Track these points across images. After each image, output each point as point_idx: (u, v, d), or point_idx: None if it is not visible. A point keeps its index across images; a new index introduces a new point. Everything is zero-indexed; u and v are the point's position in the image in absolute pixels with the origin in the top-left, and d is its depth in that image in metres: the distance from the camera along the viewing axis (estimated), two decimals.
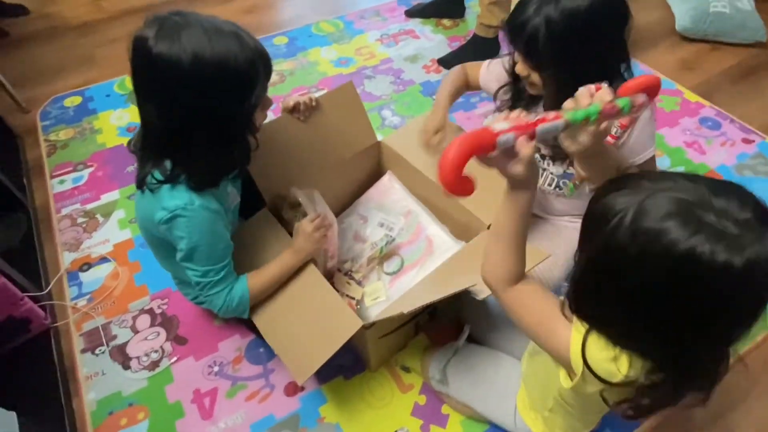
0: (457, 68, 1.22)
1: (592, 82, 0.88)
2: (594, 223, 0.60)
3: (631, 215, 0.54)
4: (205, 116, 0.81)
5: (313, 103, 1.13)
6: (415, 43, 2.08)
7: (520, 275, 0.71)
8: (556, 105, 0.90)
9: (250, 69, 0.80)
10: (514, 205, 0.68)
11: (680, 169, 1.54)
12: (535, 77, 0.91)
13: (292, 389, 1.11)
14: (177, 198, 0.86)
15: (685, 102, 1.79)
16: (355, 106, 1.21)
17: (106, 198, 1.52)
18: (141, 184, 0.89)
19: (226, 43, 0.78)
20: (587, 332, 0.64)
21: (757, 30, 1.99)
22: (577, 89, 0.85)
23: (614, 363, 0.62)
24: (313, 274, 1.01)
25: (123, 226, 1.44)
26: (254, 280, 0.97)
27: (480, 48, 1.95)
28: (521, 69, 0.92)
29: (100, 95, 1.87)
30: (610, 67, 0.90)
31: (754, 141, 1.65)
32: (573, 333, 0.65)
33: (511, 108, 1.06)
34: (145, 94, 0.82)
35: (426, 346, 1.16)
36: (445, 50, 2.02)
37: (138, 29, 0.78)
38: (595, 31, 0.84)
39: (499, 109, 1.13)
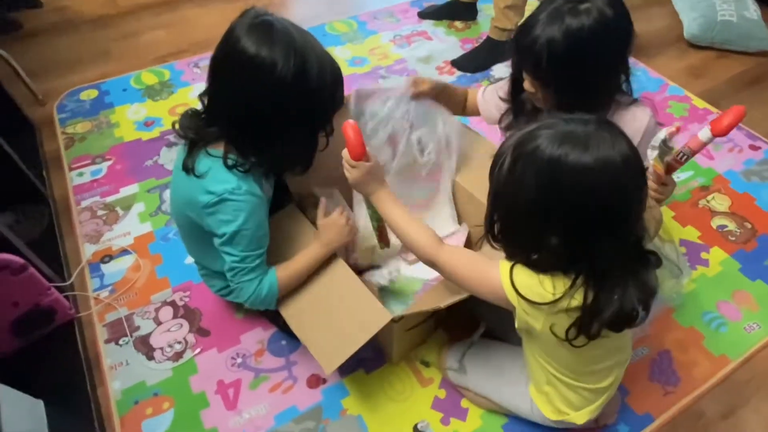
0: (463, 88, 1.25)
1: (594, 97, 0.92)
2: (491, 168, 0.75)
3: (510, 151, 0.71)
4: (302, 115, 0.87)
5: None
6: (428, 45, 2.11)
7: (436, 236, 0.86)
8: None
9: (333, 83, 0.89)
10: (384, 200, 0.90)
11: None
12: (544, 94, 0.94)
13: (315, 381, 1.14)
14: (224, 182, 0.89)
15: (693, 108, 1.83)
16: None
17: (126, 191, 1.54)
18: (190, 168, 0.91)
19: (321, 57, 0.86)
20: (512, 266, 0.76)
21: (762, 39, 2.03)
22: (582, 103, 0.91)
23: (541, 286, 0.74)
24: (340, 266, 1.03)
25: (143, 219, 1.46)
26: (282, 273, 0.99)
27: (493, 50, 1.98)
28: (528, 86, 0.95)
29: (116, 89, 1.88)
30: (614, 83, 0.94)
31: (760, 147, 1.69)
32: (501, 269, 0.77)
33: (515, 122, 1.09)
34: (227, 81, 0.86)
35: (444, 340, 1.19)
36: (457, 52, 2.05)
37: (234, 25, 0.84)
38: (599, 49, 0.86)
39: (504, 131, 1.16)
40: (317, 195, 1.17)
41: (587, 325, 0.74)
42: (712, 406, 1.12)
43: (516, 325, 0.80)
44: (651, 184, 0.92)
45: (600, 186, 0.66)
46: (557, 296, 0.73)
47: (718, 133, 0.86)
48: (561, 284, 0.73)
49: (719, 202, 1.52)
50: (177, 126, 0.93)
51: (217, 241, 0.94)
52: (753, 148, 1.70)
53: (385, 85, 1.17)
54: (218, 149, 0.91)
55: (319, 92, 0.86)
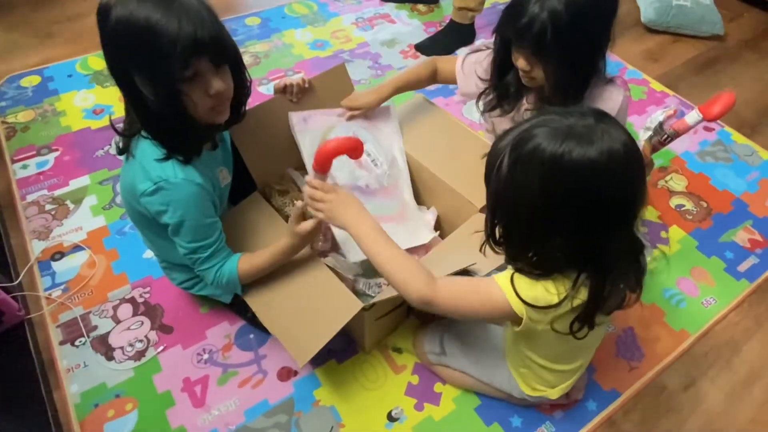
0: (426, 62, 1.22)
1: (591, 69, 0.92)
2: (487, 171, 0.72)
3: (508, 152, 0.68)
4: (129, 81, 0.80)
5: (306, 85, 1.11)
6: (391, 28, 2.07)
7: (428, 275, 0.79)
8: (553, 95, 0.93)
9: (163, 41, 0.74)
10: (364, 232, 0.82)
11: None
12: (538, 71, 0.93)
13: (285, 374, 1.11)
14: (160, 170, 0.85)
15: (651, 91, 1.88)
16: (346, 87, 1.20)
17: (76, 184, 1.45)
18: (126, 150, 0.87)
19: (154, 10, 0.74)
20: (511, 276, 0.74)
21: (715, 23, 2.10)
22: (576, 78, 0.91)
23: (546, 292, 0.72)
24: (309, 257, 1.00)
25: (96, 212, 1.38)
26: (245, 264, 0.97)
27: (457, 34, 1.97)
28: (523, 64, 0.94)
29: (61, 75, 1.76)
30: (602, 54, 0.94)
31: (714, 129, 1.76)
32: (501, 285, 0.75)
33: (497, 105, 1.08)
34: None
35: (416, 326, 1.18)
36: (421, 35, 2.03)
37: None
38: (598, 18, 0.88)
39: (483, 113, 1.15)
40: (289, 177, 1.14)
41: (591, 317, 0.73)
42: (674, 379, 1.17)
43: (516, 330, 0.79)
44: None
45: (608, 179, 0.64)
46: (563, 296, 0.72)
47: (711, 118, 0.88)
48: (563, 285, 0.72)
49: (677, 182, 1.57)
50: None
51: (169, 231, 0.90)
52: (707, 129, 1.75)
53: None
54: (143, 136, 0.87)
55: (151, 42, 0.75)
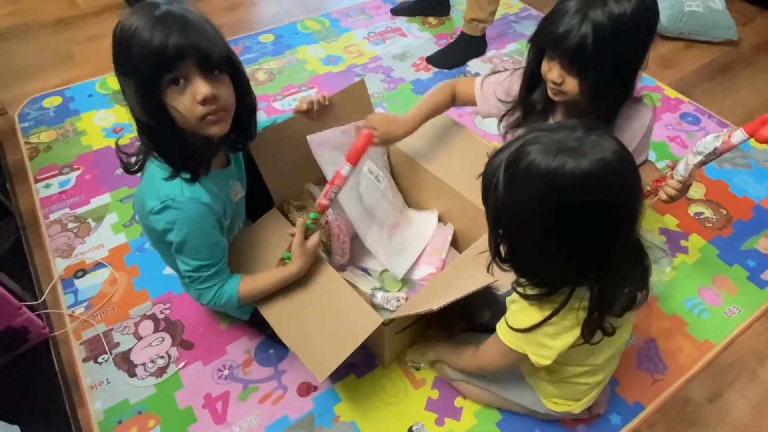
0: (443, 85, 1.20)
1: (629, 83, 0.92)
2: (483, 190, 0.73)
3: (502, 171, 0.68)
4: (125, 92, 0.81)
5: (326, 102, 1.12)
6: (403, 41, 2.09)
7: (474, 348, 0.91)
8: (589, 111, 0.93)
9: (140, 45, 0.74)
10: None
11: (664, 162, 1.61)
12: (571, 83, 0.91)
13: (305, 390, 1.11)
14: (168, 188, 0.86)
15: (665, 98, 1.87)
16: (365, 104, 1.21)
17: (97, 202, 1.47)
18: (138, 169, 0.89)
19: (141, 18, 0.75)
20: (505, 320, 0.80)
21: (728, 28, 2.08)
22: (611, 94, 0.91)
23: (565, 319, 0.75)
24: (328, 271, 1.01)
25: (117, 230, 1.40)
26: (245, 287, 0.97)
27: (468, 46, 1.98)
28: (555, 75, 0.92)
29: (81, 95, 1.81)
30: (637, 73, 0.93)
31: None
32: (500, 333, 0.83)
33: (522, 124, 1.07)
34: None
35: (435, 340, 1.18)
36: (432, 48, 2.04)
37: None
38: (639, 33, 0.87)
39: (504, 137, 1.14)
40: (308, 192, 1.15)
41: (600, 322, 0.75)
42: (698, 391, 1.14)
43: (536, 363, 0.81)
44: (675, 184, 0.93)
45: (604, 189, 0.65)
46: (575, 307, 0.74)
47: (763, 140, 0.85)
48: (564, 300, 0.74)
49: (695, 189, 1.55)
50: None
51: (172, 249, 0.92)
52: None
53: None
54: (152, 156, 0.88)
55: (122, 51, 0.77)
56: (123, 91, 0.82)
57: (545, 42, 0.92)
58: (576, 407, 0.95)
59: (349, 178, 0.95)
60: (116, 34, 0.77)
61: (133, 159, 0.91)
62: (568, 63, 0.89)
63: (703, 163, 0.91)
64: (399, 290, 1.19)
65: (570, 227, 0.67)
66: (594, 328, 0.75)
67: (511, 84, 1.09)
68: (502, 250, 0.75)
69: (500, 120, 1.12)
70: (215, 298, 0.96)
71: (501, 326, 0.83)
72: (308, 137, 1.08)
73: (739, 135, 0.88)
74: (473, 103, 1.18)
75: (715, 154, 0.88)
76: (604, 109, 0.94)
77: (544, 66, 0.94)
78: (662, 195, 0.96)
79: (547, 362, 0.79)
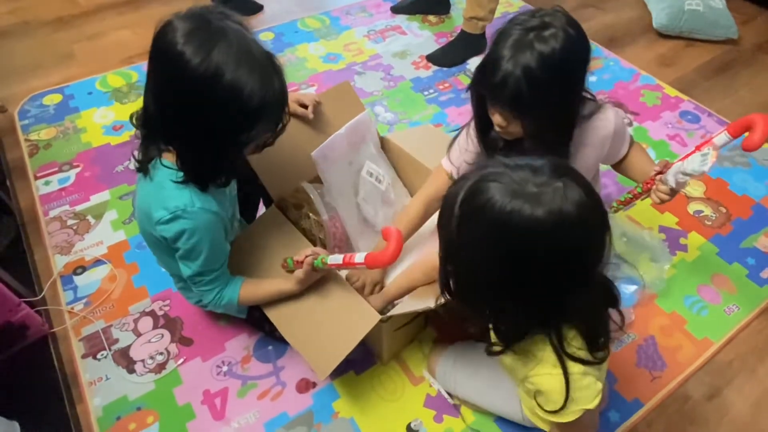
0: (414, 203, 1.13)
1: (570, 117, 0.92)
2: (440, 217, 0.69)
3: (459, 204, 0.64)
4: (199, 126, 0.79)
5: (319, 103, 1.15)
6: (403, 39, 2.09)
7: None
8: (534, 150, 0.92)
9: (258, 110, 0.78)
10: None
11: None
12: (514, 126, 0.91)
13: (304, 386, 1.11)
14: (178, 198, 0.85)
15: (665, 96, 1.86)
16: (354, 102, 1.22)
17: (96, 199, 1.48)
18: (144, 168, 0.87)
19: (249, 74, 0.75)
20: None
21: (728, 27, 2.08)
22: (556, 128, 0.91)
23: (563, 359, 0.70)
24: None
25: (116, 227, 1.40)
26: (246, 291, 1.00)
27: (467, 44, 1.98)
28: (499, 120, 0.91)
29: (81, 93, 1.81)
30: (580, 98, 0.94)
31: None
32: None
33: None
34: (154, 78, 0.81)
35: (433, 339, 1.18)
36: (432, 46, 2.04)
37: (173, 15, 0.76)
38: (571, 68, 0.86)
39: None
40: (303, 190, 1.15)
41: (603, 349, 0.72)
42: (698, 389, 1.14)
43: (552, 416, 0.75)
44: (665, 189, 0.92)
45: (559, 241, 0.61)
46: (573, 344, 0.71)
47: (752, 148, 0.84)
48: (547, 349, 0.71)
49: (694, 188, 1.55)
50: (133, 120, 0.88)
51: (177, 254, 0.92)
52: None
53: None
54: (170, 160, 0.87)
55: (232, 106, 0.77)
56: (184, 114, 0.79)
57: (483, 91, 0.92)
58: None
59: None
60: (230, 86, 0.75)
61: (138, 155, 0.90)
62: (509, 109, 0.89)
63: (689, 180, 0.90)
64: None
65: (521, 272, 0.63)
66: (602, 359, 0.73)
67: (472, 143, 1.06)
68: (451, 283, 0.71)
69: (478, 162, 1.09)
70: (215, 299, 0.99)
71: (540, 417, 0.76)
72: (312, 154, 1.08)
73: (723, 137, 0.87)
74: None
75: (704, 172, 0.86)
76: (552, 143, 0.92)
77: (489, 110, 0.93)
78: (654, 198, 0.95)
79: (598, 398, 0.74)
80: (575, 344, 0.71)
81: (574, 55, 0.86)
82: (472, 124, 1.03)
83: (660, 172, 0.94)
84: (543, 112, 0.87)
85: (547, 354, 0.71)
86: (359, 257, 0.88)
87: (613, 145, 1.03)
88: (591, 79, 1.82)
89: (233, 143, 0.83)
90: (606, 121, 0.99)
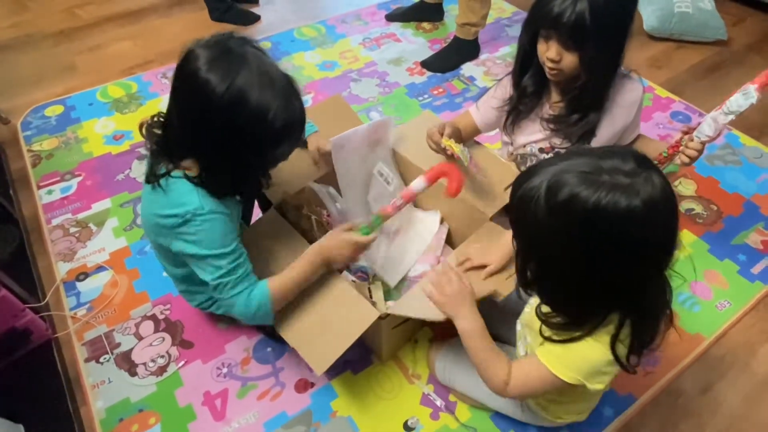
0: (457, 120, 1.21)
1: (621, 52, 0.98)
2: (518, 214, 0.70)
3: (543, 198, 0.64)
4: (225, 147, 0.83)
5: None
6: (398, 47, 2.12)
7: (508, 372, 0.83)
8: (588, 80, 0.98)
9: (282, 130, 0.83)
10: (470, 330, 0.87)
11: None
12: (569, 60, 0.95)
13: (303, 386, 1.13)
14: (188, 202, 0.87)
15: (656, 98, 1.89)
16: (347, 114, 1.26)
17: (98, 207, 1.50)
18: (154, 178, 0.89)
19: (272, 98, 0.79)
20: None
21: (718, 29, 2.11)
22: (611, 64, 0.98)
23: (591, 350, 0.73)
24: None
25: (118, 234, 1.43)
26: (274, 283, 0.94)
27: (461, 50, 2.01)
28: (554, 53, 0.95)
29: (82, 104, 1.84)
30: (627, 41, 0.99)
31: (722, 132, 1.76)
32: (545, 361, 0.77)
33: (515, 108, 1.11)
34: (180, 101, 0.84)
35: (430, 338, 1.20)
36: (426, 53, 2.08)
37: (194, 43, 0.80)
38: (626, 10, 0.94)
39: (510, 136, 1.18)
40: (310, 190, 1.17)
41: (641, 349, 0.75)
42: (690, 383, 1.16)
43: (591, 388, 0.77)
44: (697, 145, 0.98)
45: (650, 228, 0.62)
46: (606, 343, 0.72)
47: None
48: (605, 335, 0.72)
49: (686, 186, 1.58)
50: (144, 131, 0.91)
51: (190, 261, 0.93)
52: None
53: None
54: (178, 169, 0.89)
55: (257, 128, 0.81)
56: (210, 136, 0.82)
57: (542, 23, 0.96)
58: (583, 416, 0.97)
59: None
60: (255, 110, 0.78)
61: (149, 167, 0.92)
62: (566, 39, 0.93)
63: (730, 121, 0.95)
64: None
65: (605, 261, 0.64)
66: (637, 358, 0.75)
67: (502, 90, 1.14)
68: (529, 275, 0.73)
69: (504, 125, 1.16)
70: (246, 305, 0.92)
71: (551, 358, 0.77)
72: (331, 140, 1.10)
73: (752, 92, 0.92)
74: (476, 131, 1.22)
75: (740, 113, 0.92)
76: (601, 82, 0.99)
77: (541, 47, 0.98)
78: (684, 158, 1.00)
79: (602, 387, 0.77)
80: (624, 343, 0.73)
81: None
82: (507, 80, 1.11)
83: (686, 132, 1.00)
84: (600, 43, 0.92)
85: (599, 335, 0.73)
86: (418, 184, 0.98)
87: (635, 119, 1.09)
88: None
89: (258, 164, 0.89)
90: (635, 87, 1.06)
